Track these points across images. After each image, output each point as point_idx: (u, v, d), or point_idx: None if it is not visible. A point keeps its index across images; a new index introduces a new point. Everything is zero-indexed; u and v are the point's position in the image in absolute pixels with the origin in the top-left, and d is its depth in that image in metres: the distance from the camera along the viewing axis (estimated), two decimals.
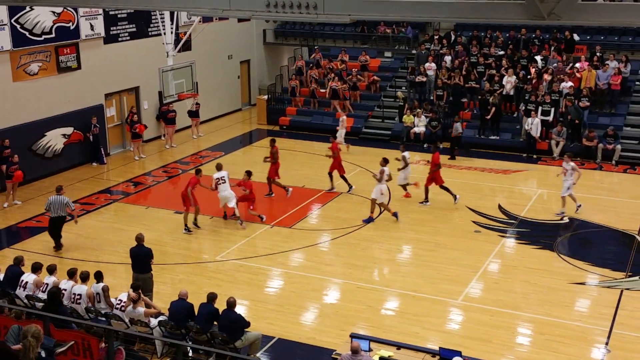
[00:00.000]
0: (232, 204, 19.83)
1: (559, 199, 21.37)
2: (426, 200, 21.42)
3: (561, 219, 20.09)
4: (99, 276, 13.99)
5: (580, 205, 20.40)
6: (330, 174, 22.41)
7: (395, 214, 20.07)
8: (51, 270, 14.05)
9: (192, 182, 19.45)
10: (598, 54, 28.18)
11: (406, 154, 21.34)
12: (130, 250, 15.07)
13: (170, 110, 27.50)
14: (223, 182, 19.74)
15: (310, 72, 31.88)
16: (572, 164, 20.26)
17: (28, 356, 8.55)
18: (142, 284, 14.25)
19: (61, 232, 18.49)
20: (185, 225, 19.49)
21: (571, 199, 20.32)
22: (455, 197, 21.25)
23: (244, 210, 20.04)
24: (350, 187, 22.39)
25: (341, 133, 26.58)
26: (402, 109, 28.82)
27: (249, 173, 20.02)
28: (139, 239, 15.02)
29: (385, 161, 20.35)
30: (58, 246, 18.38)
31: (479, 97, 27.55)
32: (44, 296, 13.26)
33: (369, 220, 20.02)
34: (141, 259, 14.89)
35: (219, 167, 20.17)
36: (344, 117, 27.69)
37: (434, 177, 21.27)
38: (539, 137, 26.00)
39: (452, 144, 26.38)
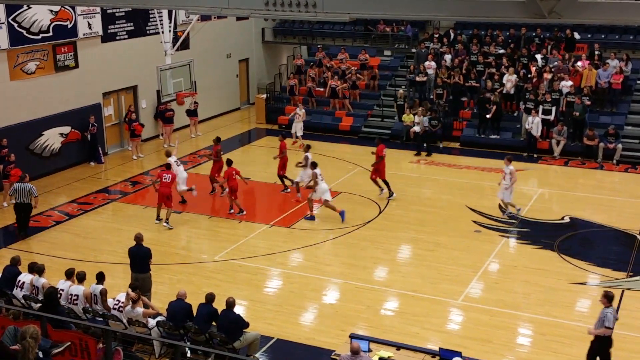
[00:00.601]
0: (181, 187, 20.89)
1: (559, 199, 21.38)
2: (382, 189, 21.81)
3: (510, 217, 19.99)
4: (100, 277, 13.91)
5: (519, 209, 20.18)
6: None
7: (341, 213, 20.13)
8: (40, 270, 13.88)
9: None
10: (597, 52, 28.10)
11: (309, 154, 21.36)
12: (129, 249, 14.99)
13: (168, 109, 27.44)
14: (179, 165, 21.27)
15: (309, 70, 31.81)
16: (511, 167, 19.80)
17: (27, 357, 8.48)
18: (141, 283, 14.18)
19: (29, 219, 19.12)
20: (167, 219, 19.73)
21: (510, 204, 20.08)
22: (391, 194, 21.55)
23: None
24: (286, 188, 22.33)
25: (297, 127, 26.83)
26: (402, 107, 28.74)
27: (228, 162, 20.59)
28: (138, 238, 14.93)
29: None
30: (21, 231, 19.07)
31: (481, 95, 27.45)
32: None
33: (310, 217, 20.36)
34: (140, 258, 14.79)
35: (168, 154, 21.14)
36: (302, 110, 27.49)
37: (378, 169, 21.64)
38: (539, 136, 25.92)
39: (418, 140, 26.60)
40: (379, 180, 21.77)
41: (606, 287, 16.14)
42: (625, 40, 30.21)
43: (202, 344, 12.50)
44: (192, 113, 29.12)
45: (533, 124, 25.73)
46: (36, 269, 13.88)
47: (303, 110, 27.20)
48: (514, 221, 19.86)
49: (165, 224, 19.65)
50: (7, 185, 21.45)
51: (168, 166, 20.13)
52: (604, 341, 12.31)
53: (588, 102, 26.29)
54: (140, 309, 12.99)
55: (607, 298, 12.33)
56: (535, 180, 23.89)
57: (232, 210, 20.57)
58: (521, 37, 30.21)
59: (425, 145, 26.57)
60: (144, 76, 27.33)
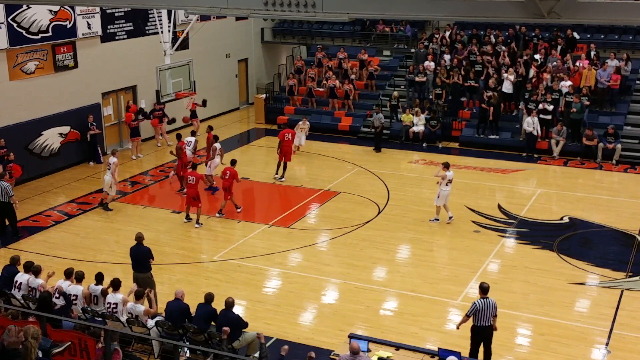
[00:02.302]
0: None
1: (558, 199, 21.38)
2: (282, 177, 23.25)
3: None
4: (99, 278, 13.92)
5: (451, 217, 19.89)
6: (177, 174, 22.58)
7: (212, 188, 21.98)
8: (36, 272, 13.86)
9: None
10: (593, 52, 28.08)
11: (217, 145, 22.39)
12: (130, 249, 14.99)
13: (156, 109, 27.40)
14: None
15: (309, 70, 31.80)
16: (449, 173, 19.42)
17: (30, 357, 8.48)
18: (142, 283, 14.23)
19: (13, 217, 19.09)
20: (197, 220, 19.83)
21: (444, 209, 19.88)
22: (282, 177, 23.05)
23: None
24: (182, 188, 22.04)
25: (301, 138, 26.24)
26: (395, 108, 28.81)
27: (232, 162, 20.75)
28: (139, 238, 14.93)
29: (192, 133, 23.50)
30: (14, 234, 19.12)
31: (481, 94, 27.40)
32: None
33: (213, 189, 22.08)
34: (140, 258, 14.80)
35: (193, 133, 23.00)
36: (307, 123, 26.88)
37: (283, 152, 23.08)
38: (539, 135, 25.90)
39: (376, 137, 26.94)
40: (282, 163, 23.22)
41: (605, 287, 16.20)
42: (624, 40, 30.22)
43: (201, 344, 12.49)
44: (192, 114, 29.05)
45: (532, 124, 25.72)
46: (33, 269, 13.84)
47: (308, 124, 26.96)
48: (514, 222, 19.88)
49: (196, 225, 19.68)
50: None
51: (194, 166, 20.29)
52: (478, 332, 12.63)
53: (587, 102, 26.28)
54: (142, 307, 12.99)
55: (481, 289, 12.60)
56: (534, 180, 23.88)
57: (222, 214, 20.57)
58: (520, 37, 30.21)
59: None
60: (143, 76, 27.31)
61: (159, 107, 27.31)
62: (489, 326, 12.62)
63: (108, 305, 13.22)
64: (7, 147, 21.78)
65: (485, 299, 12.44)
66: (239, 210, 20.59)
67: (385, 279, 16.89)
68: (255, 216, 20.80)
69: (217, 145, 22.42)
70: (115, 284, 13.38)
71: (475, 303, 12.49)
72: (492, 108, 26.63)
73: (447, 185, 19.45)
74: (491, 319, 12.57)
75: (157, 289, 15.56)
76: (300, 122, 26.49)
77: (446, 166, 19.59)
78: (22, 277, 13.87)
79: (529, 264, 17.31)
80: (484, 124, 27.17)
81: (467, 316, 12.65)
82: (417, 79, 29.17)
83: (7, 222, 19.33)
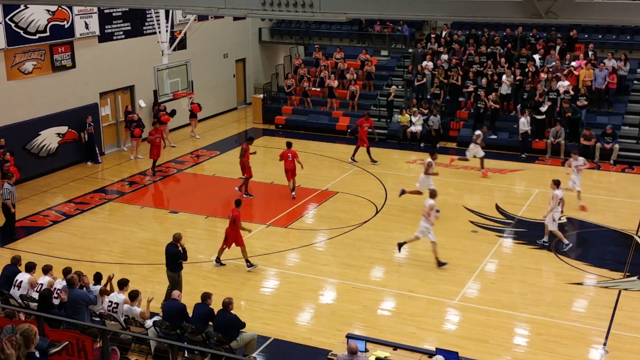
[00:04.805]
0: None
1: None
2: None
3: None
4: (97, 278, 13.93)
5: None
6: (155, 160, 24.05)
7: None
8: (46, 270, 14.00)
9: (235, 215, 16.90)
10: (590, 52, 28.10)
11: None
12: (166, 246, 15.19)
13: (160, 109, 27.38)
14: None
15: (302, 70, 31.76)
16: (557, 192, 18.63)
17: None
18: (170, 280, 14.97)
19: (10, 219, 19.12)
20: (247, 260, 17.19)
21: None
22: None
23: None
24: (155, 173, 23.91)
25: (477, 151, 24.13)
26: (391, 104, 28.86)
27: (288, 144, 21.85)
28: (174, 237, 15.06)
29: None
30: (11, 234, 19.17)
31: (481, 93, 27.39)
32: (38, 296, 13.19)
33: None
34: (171, 256, 15.01)
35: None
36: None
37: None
38: (530, 133, 25.88)
39: (433, 139, 26.78)
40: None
41: (603, 288, 16.21)
42: (622, 40, 30.23)
43: (199, 344, 12.49)
44: (191, 114, 29.05)
45: (524, 124, 25.69)
46: (43, 268, 14.08)
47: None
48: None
49: (248, 268, 17.15)
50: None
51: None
52: None
53: (585, 102, 26.28)
54: (138, 308, 13.01)
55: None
56: (532, 180, 23.87)
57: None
58: (518, 36, 30.22)
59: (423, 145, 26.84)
60: (140, 76, 27.29)
61: (160, 107, 27.28)
62: None
63: (109, 304, 13.24)
64: (5, 147, 21.75)
65: None
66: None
67: (382, 279, 16.89)
68: (253, 216, 20.78)
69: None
70: (121, 284, 13.46)
71: None
72: (491, 104, 26.57)
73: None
74: None
75: (155, 289, 15.63)
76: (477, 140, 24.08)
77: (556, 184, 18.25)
78: (23, 277, 13.94)
79: (526, 264, 17.32)
80: (480, 124, 27.15)
81: None
82: (417, 82, 29.14)
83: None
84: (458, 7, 9.17)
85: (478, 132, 24.24)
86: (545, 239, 18.36)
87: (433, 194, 17.80)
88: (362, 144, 25.17)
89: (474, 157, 24.03)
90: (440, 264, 17.12)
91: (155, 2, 13.28)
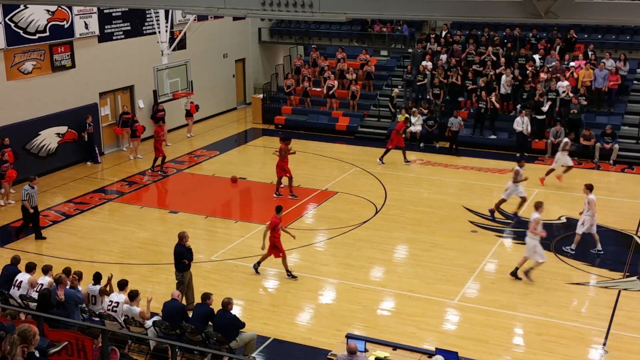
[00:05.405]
0: None
1: (555, 199, 21.32)
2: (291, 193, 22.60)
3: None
4: (97, 278, 13.93)
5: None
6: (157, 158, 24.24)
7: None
8: (46, 270, 14.01)
9: (274, 222, 16.60)
10: (590, 52, 28.10)
11: None
12: (175, 246, 15.23)
13: (159, 109, 27.38)
14: None
15: (304, 70, 31.77)
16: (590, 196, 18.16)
17: (10, 353, 8.47)
18: (177, 279, 15.02)
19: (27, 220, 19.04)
20: (287, 270, 16.85)
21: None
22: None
23: None
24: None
25: (565, 159, 23.25)
26: (395, 105, 28.84)
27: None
28: (178, 236, 15.09)
29: None
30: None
31: (482, 93, 27.39)
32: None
33: None
34: (177, 256, 15.05)
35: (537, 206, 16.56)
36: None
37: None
38: (529, 134, 25.81)
39: (451, 140, 26.53)
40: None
41: (603, 288, 16.21)
42: (622, 41, 30.23)
43: (198, 344, 12.49)
44: (187, 113, 29.08)
45: (522, 124, 25.62)
46: (43, 268, 14.08)
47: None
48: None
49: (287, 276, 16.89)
50: (7, 185, 21.46)
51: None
52: None
53: (585, 102, 26.28)
54: (137, 308, 13.02)
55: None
56: (531, 180, 23.82)
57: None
58: (517, 37, 30.21)
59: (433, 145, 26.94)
60: (140, 76, 27.28)
61: (161, 107, 27.30)
62: None
63: (109, 303, 13.26)
64: (8, 146, 21.77)
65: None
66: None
67: (382, 279, 16.89)
68: (253, 216, 20.78)
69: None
70: (121, 285, 13.49)
71: None
72: (492, 103, 26.56)
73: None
74: None
75: (154, 288, 15.63)
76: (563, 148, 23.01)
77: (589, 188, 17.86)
78: (22, 277, 13.96)
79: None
80: (480, 124, 27.18)
81: None
82: (418, 83, 29.13)
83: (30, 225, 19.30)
84: (458, 7, 9.17)
85: (566, 139, 22.90)
86: (599, 246, 17.84)
87: (538, 206, 16.23)
88: (394, 145, 25.01)
89: (562, 166, 22.80)
90: (527, 276, 16.17)
91: (155, 2, 13.28)
